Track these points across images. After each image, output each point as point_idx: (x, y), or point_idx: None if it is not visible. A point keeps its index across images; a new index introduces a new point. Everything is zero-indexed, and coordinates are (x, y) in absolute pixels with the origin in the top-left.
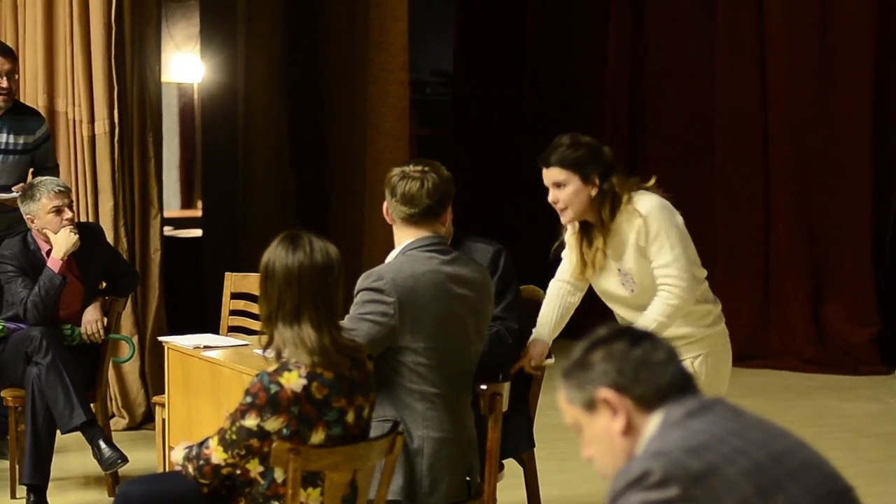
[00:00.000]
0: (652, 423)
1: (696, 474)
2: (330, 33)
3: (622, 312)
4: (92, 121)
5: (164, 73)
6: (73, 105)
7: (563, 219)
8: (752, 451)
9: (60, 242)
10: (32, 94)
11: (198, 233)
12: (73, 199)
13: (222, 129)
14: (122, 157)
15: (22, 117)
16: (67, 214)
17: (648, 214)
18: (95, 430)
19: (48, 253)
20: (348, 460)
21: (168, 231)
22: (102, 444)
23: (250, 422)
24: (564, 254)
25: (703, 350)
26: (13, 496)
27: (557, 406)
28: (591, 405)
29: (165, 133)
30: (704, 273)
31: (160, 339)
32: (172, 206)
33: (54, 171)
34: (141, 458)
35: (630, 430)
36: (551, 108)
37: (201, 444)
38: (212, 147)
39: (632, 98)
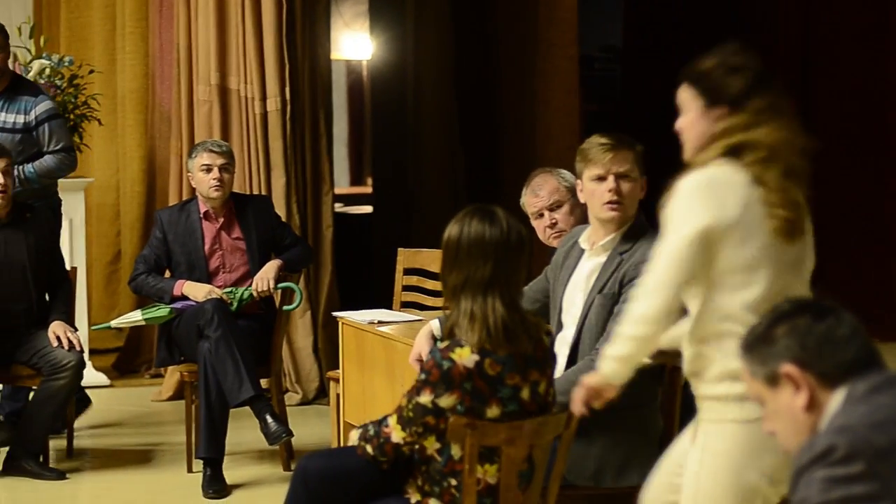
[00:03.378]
0: (835, 399)
1: (881, 450)
2: (499, 9)
3: None
4: (264, 98)
5: (333, 50)
6: (245, 83)
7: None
8: None
9: (199, 294)
10: (206, 73)
11: (368, 209)
12: (233, 164)
13: (392, 106)
14: (293, 135)
15: (16, 96)
16: (216, 174)
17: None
18: (263, 404)
19: (205, 215)
20: (525, 435)
21: (338, 208)
22: (269, 418)
23: (425, 398)
24: None
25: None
26: (190, 470)
27: None
28: (773, 380)
29: (335, 110)
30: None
31: (334, 314)
32: (342, 183)
33: (59, 153)
34: (313, 433)
35: (813, 405)
36: None
37: (380, 423)
38: (381, 124)
39: (801, 72)
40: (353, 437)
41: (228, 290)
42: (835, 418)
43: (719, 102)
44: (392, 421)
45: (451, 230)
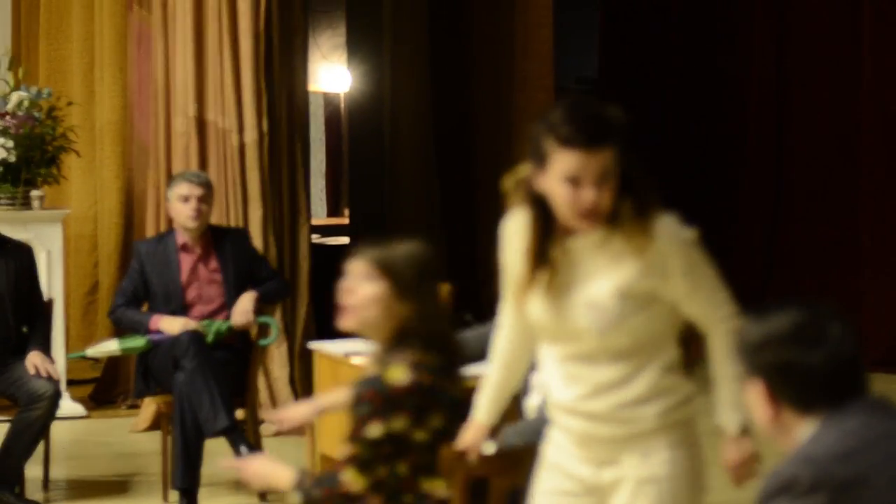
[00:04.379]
0: (806, 428)
1: (845, 482)
2: (475, 42)
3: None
4: (241, 130)
5: (310, 82)
6: (223, 115)
7: (591, 226)
8: None
9: (174, 328)
10: (183, 105)
11: (345, 240)
12: (211, 195)
13: (369, 138)
14: (271, 166)
15: None
16: (193, 204)
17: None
18: (238, 435)
19: (183, 247)
20: (515, 466)
21: (315, 239)
22: (244, 449)
23: (375, 430)
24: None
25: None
26: (165, 500)
27: (707, 412)
28: (749, 379)
29: (312, 142)
30: None
31: (309, 345)
32: (319, 214)
33: None
34: (290, 464)
35: (779, 422)
36: (696, 115)
37: (329, 484)
38: (359, 156)
39: (776, 104)
40: (293, 498)
41: (205, 322)
42: (802, 443)
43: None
44: (348, 475)
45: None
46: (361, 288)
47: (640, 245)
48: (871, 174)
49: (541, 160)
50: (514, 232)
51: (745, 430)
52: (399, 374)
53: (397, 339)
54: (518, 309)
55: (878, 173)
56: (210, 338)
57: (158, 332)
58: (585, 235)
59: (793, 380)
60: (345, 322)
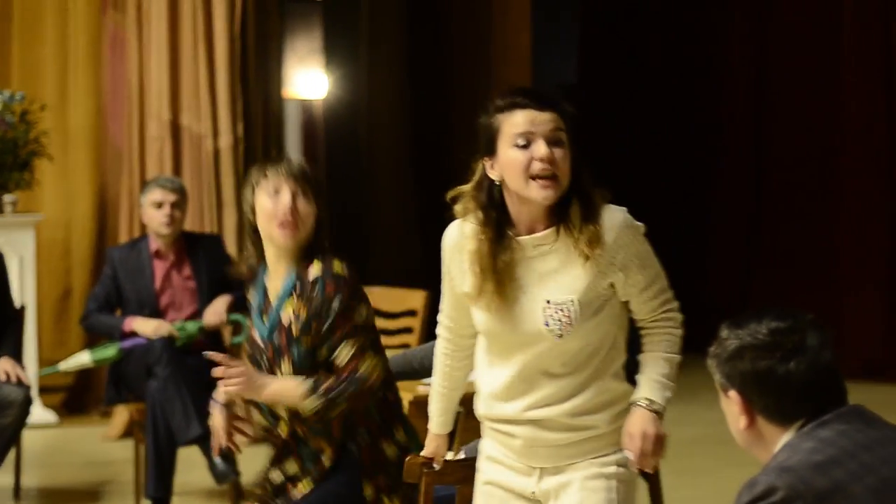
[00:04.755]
0: (783, 438)
1: (821, 493)
2: (454, 48)
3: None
4: (216, 135)
5: (287, 88)
6: (197, 119)
7: (549, 196)
8: (881, 468)
9: (147, 329)
10: (158, 109)
11: None
12: (185, 201)
13: (346, 144)
14: (246, 172)
15: None
16: (167, 210)
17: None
18: (210, 444)
19: (156, 253)
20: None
21: None
22: (216, 458)
23: (362, 314)
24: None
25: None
26: None
27: (683, 422)
28: (723, 390)
29: (289, 148)
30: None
31: None
32: None
33: None
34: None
35: (755, 431)
36: (673, 120)
37: (349, 381)
38: (336, 162)
39: (755, 109)
40: (308, 406)
41: (178, 324)
42: (779, 453)
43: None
44: (366, 366)
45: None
46: (303, 205)
47: (592, 245)
48: (850, 185)
49: (490, 140)
50: (455, 244)
51: (660, 414)
52: (340, 266)
53: (310, 245)
54: (457, 321)
55: (858, 184)
56: (182, 340)
57: (132, 334)
58: (537, 237)
59: (770, 389)
60: (293, 237)
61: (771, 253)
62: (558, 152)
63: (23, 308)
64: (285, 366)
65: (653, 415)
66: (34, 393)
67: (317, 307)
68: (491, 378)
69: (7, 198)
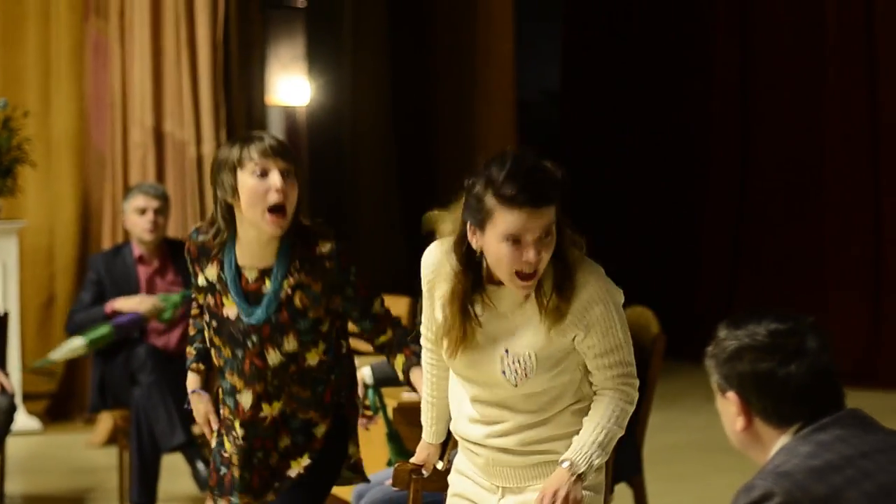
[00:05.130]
0: (780, 441)
1: (818, 499)
2: (437, 54)
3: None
4: (199, 142)
5: (271, 95)
6: (180, 126)
7: (527, 290)
8: (878, 474)
9: (131, 304)
10: (140, 116)
11: None
12: (168, 208)
13: (329, 151)
14: None
15: None
16: (150, 216)
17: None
18: (194, 451)
19: (140, 259)
20: None
21: None
22: (200, 465)
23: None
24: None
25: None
26: None
27: (667, 427)
28: (721, 391)
29: None
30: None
31: None
32: None
33: None
34: None
35: (752, 433)
36: (658, 128)
37: (402, 341)
38: (319, 168)
39: (739, 119)
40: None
41: (161, 296)
42: (776, 456)
43: None
44: (400, 325)
45: None
46: (291, 186)
47: (557, 318)
48: (835, 190)
49: (481, 218)
50: (436, 264)
51: (581, 478)
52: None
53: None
54: (436, 343)
55: (842, 189)
56: (168, 312)
57: (118, 314)
58: (509, 294)
59: (769, 391)
60: (284, 220)
61: (756, 258)
62: (546, 245)
63: (6, 315)
64: (289, 343)
65: (571, 477)
66: (18, 400)
67: (334, 280)
68: (457, 400)
69: None
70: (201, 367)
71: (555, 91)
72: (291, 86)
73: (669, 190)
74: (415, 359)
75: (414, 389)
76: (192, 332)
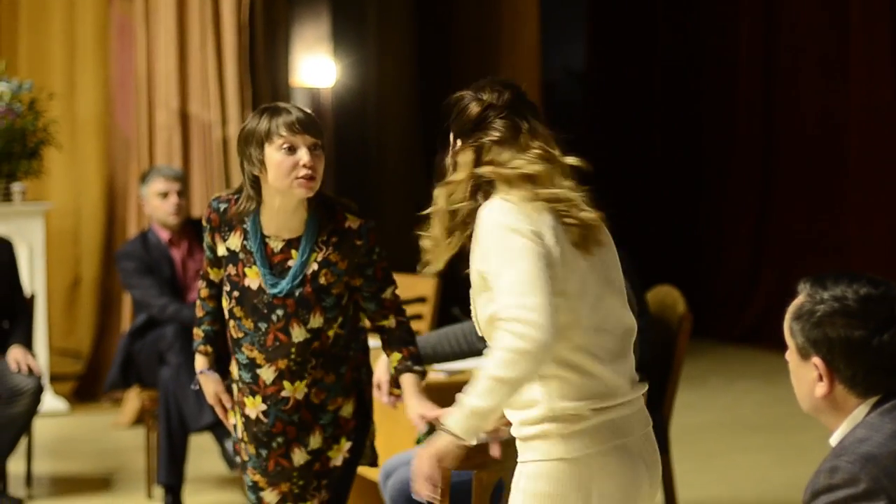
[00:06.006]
0: (861, 410)
1: None
2: (462, 35)
3: None
4: (224, 124)
5: (295, 76)
6: (206, 108)
7: None
8: None
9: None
10: (166, 98)
11: None
12: (187, 188)
13: (354, 132)
14: None
15: None
16: (173, 199)
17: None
18: (223, 430)
19: (170, 241)
20: (494, 460)
21: None
22: (228, 444)
23: None
24: None
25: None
26: (149, 496)
27: (693, 407)
28: (804, 355)
29: None
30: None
31: None
32: None
33: None
34: None
35: (832, 399)
36: (683, 108)
37: (406, 340)
38: (344, 150)
39: (764, 99)
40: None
41: None
42: (857, 430)
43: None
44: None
45: None
46: (318, 159)
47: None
48: (860, 167)
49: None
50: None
51: (455, 435)
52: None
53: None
54: None
55: (867, 166)
56: None
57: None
58: None
59: (862, 360)
60: (313, 186)
61: (781, 237)
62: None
63: (33, 297)
64: (315, 319)
65: (445, 435)
66: (45, 381)
67: (361, 259)
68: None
69: (16, 186)
70: (209, 349)
71: (580, 71)
72: (316, 67)
73: (694, 169)
74: (409, 363)
75: (398, 388)
76: (199, 313)
